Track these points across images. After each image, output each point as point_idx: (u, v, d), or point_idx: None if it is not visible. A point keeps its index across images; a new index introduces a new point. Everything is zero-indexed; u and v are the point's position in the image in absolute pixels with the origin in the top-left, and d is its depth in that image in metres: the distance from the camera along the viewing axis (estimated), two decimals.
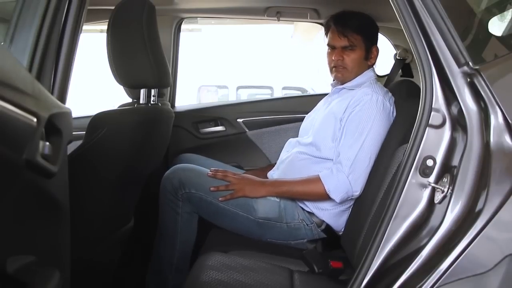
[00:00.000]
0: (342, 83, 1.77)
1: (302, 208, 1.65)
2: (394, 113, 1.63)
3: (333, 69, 1.76)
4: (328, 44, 1.77)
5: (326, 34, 1.79)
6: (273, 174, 1.84)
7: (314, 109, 1.96)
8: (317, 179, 1.58)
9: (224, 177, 1.62)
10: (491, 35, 1.08)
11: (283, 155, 1.86)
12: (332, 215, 1.63)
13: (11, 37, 0.93)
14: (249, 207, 1.62)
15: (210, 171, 1.65)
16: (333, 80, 1.84)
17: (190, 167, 1.68)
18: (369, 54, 1.75)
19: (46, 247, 0.79)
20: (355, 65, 1.73)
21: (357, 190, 1.53)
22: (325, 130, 1.69)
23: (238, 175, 1.67)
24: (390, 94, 1.69)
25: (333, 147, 1.66)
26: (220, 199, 1.59)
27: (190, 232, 1.65)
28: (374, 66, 1.80)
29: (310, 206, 1.64)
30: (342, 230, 1.63)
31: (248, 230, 1.64)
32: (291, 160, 1.76)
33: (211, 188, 1.59)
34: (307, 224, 1.64)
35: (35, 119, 0.66)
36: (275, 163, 1.91)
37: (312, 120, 1.86)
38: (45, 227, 0.81)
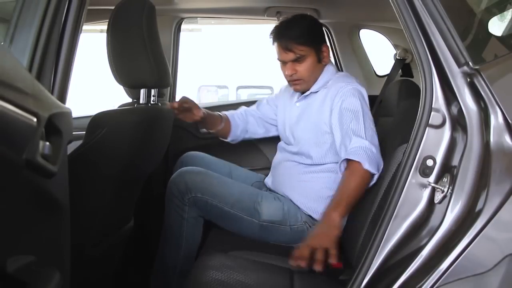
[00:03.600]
0: (304, 92, 1.74)
1: (304, 211, 1.66)
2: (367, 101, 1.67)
3: (290, 83, 1.73)
4: (278, 59, 1.72)
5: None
6: (267, 181, 1.84)
7: (281, 109, 1.91)
8: (351, 166, 1.48)
9: (302, 253, 1.36)
10: (491, 35, 1.08)
11: (275, 160, 1.86)
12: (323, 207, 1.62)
13: (11, 37, 0.93)
14: (254, 210, 1.62)
15: (294, 263, 1.36)
16: None
17: (196, 171, 1.67)
18: (320, 55, 1.70)
19: (46, 247, 0.79)
20: (311, 73, 1.69)
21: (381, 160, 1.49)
22: (309, 140, 1.68)
23: (307, 239, 1.42)
24: (359, 84, 1.69)
25: (321, 151, 1.66)
26: (293, 267, 1.36)
27: (195, 236, 1.64)
28: (330, 63, 1.76)
29: (309, 211, 1.65)
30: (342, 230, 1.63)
31: (252, 233, 1.64)
32: (285, 169, 1.75)
33: (293, 264, 1.36)
34: (310, 226, 1.64)
35: (35, 119, 0.66)
36: (224, 115, 1.90)
37: (288, 127, 1.81)
38: (45, 227, 0.81)
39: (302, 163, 1.70)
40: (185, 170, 1.66)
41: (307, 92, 1.73)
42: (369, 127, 1.56)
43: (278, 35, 1.67)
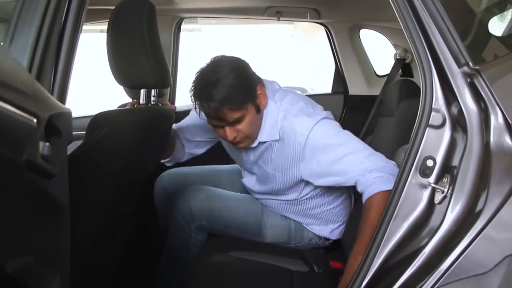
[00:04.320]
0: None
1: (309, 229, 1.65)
2: (331, 117, 1.47)
3: (233, 144, 1.48)
4: (208, 122, 1.47)
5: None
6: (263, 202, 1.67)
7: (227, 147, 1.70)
8: (371, 201, 1.30)
9: None
10: (491, 35, 1.08)
11: (249, 187, 1.68)
12: (340, 230, 1.63)
13: (11, 37, 0.93)
14: (258, 231, 1.61)
15: None
16: None
17: (200, 198, 1.58)
18: (258, 103, 1.44)
19: (45, 248, 0.79)
20: (255, 127, 1.45)
21: (386, 161, 1.34)
22: (281, 186, 1.54)
23: None
24: (319, 108, 1.50)
25: (300, 191, 1.55)
26: None
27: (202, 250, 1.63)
28: (267, 100, 1.47)
29: (315, 231, 1.63)
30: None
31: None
32: (271, 205, 1.65)
33: None
34: (316, 242, 1.64)
35: (35, 120, 0.66)
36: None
37: (242, 161, 1.64)
38: (44, 228, 0.80)
39: (284, 200, 1.59)
40: (189, 196, 1.57)
41: (255, 144, 1.50)
42: (354, 142, 1.39)
43: (202, 101, 1.39)
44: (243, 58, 1.48)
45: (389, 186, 1.23)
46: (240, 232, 1.60)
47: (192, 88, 1.44)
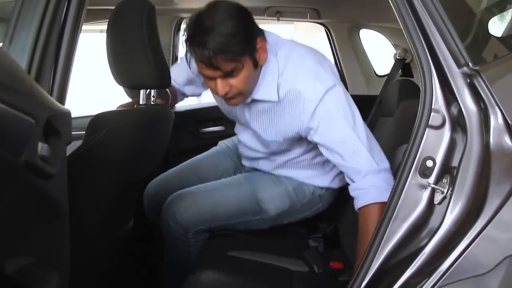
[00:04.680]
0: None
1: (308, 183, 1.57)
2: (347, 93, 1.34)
3: (224, 99, 1.36)
4: (199, 72, 1.32)
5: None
6: (245, 163, 1.67)
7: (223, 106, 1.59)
8: (368, 212, 1.25)
9: None
10: (491, 35, 1.08)
11: (243, 141, 1.59)
12: (341, 177, 1.54)
13: (10, 37, 0.92)
14: (259, 209, 1.52)
15: None
16: None
17: (183, 207, 1.47)
18: (256, 57, 1.28)
19: (45, 249, 0.79)
20: (250, 82, 1.30)
21: (385, 162, 1.31)
22: (280, 144, 1.45)
23: None
24: (329, 66, 1.36)
25: (299, 145, 1.47)
26: None
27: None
28: (267, 55, 1.32)
29: (313, 182, 1.56)
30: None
31: (264, 227, 1.57)
32: (265, 166, 1.59)
33: None
34: (319, 195, 1.56)
35: (33, 121, 0.66)
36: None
37: (243, 123, 1.52)
38: (44, 228, 0.80)
39: (283, 160, 1.54)
40: (174, 209, 1.48)
41: (248, 100, 1.38)
42: (362, 127, 1.32)
43: (195, 47, 1.23)
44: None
45: (386, 197, 1.14)
46: (242, 218, 1.51)
47: (185, 31, 1.29)
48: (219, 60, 1.21)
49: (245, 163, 1.69)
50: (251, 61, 1.26)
